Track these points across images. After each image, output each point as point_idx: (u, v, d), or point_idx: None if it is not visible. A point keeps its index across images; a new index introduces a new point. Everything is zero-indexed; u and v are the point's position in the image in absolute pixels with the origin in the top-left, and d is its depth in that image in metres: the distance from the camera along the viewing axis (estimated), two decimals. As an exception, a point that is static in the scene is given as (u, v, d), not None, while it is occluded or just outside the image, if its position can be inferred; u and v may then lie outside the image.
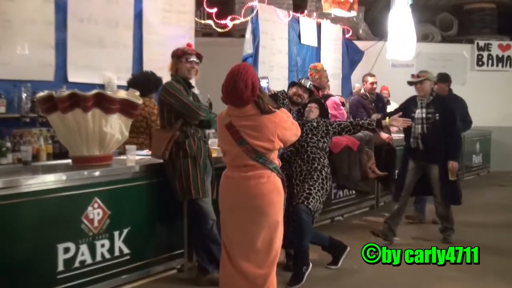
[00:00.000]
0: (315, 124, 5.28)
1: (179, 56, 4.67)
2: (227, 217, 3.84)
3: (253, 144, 3.65)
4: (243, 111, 3.68)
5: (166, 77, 5.00)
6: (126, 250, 4.53)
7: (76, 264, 4.16)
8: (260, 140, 3.66)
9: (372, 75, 8.16)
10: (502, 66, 12.56)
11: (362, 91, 8.12)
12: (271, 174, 3.73)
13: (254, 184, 3.69)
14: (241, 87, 3.58)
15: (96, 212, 4.27)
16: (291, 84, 5.53)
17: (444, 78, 7.49)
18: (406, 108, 6.06)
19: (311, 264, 4.92)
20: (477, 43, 12.49)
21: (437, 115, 5.93)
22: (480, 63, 12.48)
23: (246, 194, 3.71)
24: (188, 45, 4.83)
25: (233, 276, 3.78)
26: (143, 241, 4.70)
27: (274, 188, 3.74)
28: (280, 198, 3.78)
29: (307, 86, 5.36)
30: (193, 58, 4.69)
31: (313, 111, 5.40)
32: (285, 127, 3.75)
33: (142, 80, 5.73)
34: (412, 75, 6.15)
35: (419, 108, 6.02)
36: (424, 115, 5.99)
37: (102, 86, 5.93)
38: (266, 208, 3.70)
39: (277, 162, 3.86)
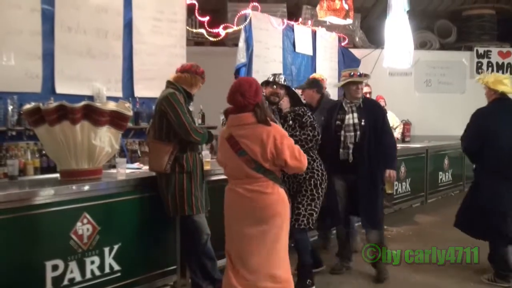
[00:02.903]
0: (291, 123, 4.98)
1: (201, 74, 4.69)
2: (233, 230, 3.91)
3: (251, 154, 3.76)
4: (242, 119, 3.82)
5: (158, 87, 4.90)
6: (116, 267, 4.44)
7: (65, 282, 4.07)
8: (257, 149, 3.75)
9: (365, 85, 8.03)
10: (503, 73, 12.38)
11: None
12: (274, 185, 3.82)
13: (257, 196, 3.79)
14: (245, 86, 3.86)
15: (85, 228, 4.19)
16: (265, 84, 5.03)
17: (311, 84, 6.46)
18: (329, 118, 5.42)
19: (315, 278, 4.96)
20: (477, 50, 12.39)
21: (363, 120, 5.25)
22: (479, 70, 12.33)
23: (250, 206, 3.80)
24: None
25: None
26: (134, 258, 4.61)
27: (279, 198, 3.84)
28: (285, 208, 3.89)
29: (282, 82, 5.01)
30: None
31: (283, 101, 5.04)
32: (283, 141, 3.79)
33: None
34: (353, 74, 5.44)
35: (349, 113, 5.32)
36: (356, 121, 5.29)
37: (91, 98, 5.80)
38: (271, 219, 3.79)
39: (278, 173, 3.92)
